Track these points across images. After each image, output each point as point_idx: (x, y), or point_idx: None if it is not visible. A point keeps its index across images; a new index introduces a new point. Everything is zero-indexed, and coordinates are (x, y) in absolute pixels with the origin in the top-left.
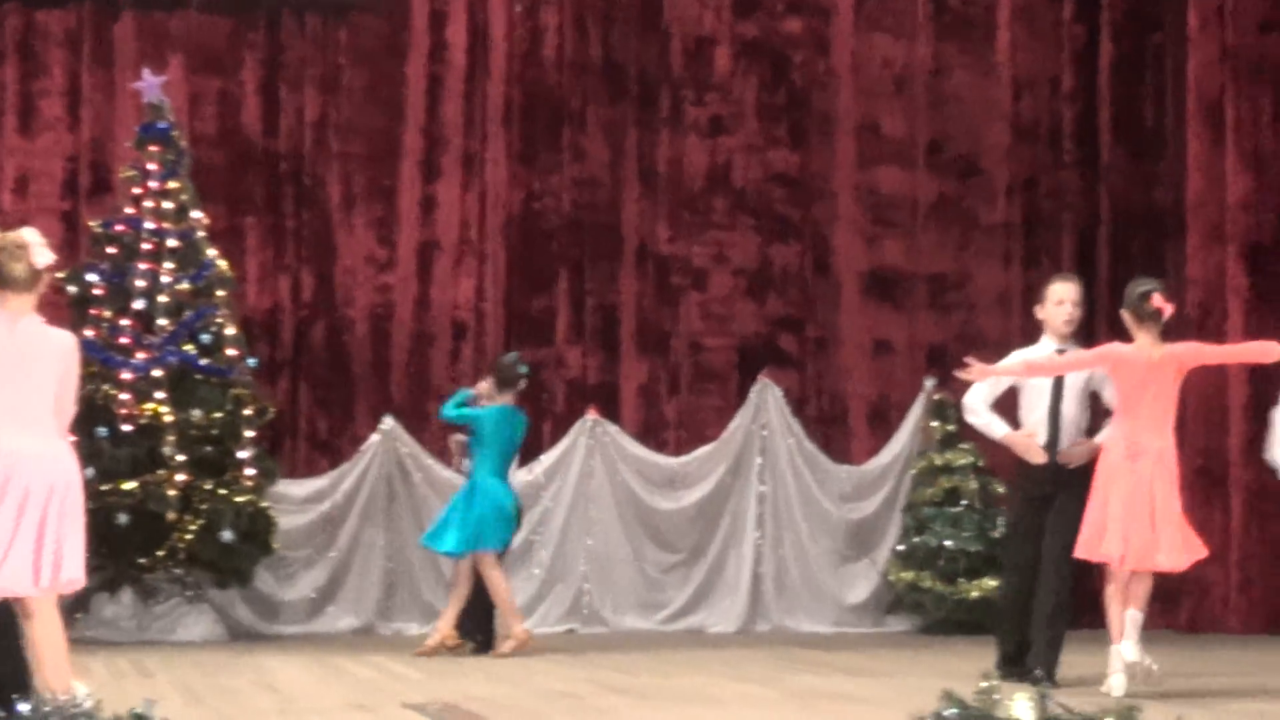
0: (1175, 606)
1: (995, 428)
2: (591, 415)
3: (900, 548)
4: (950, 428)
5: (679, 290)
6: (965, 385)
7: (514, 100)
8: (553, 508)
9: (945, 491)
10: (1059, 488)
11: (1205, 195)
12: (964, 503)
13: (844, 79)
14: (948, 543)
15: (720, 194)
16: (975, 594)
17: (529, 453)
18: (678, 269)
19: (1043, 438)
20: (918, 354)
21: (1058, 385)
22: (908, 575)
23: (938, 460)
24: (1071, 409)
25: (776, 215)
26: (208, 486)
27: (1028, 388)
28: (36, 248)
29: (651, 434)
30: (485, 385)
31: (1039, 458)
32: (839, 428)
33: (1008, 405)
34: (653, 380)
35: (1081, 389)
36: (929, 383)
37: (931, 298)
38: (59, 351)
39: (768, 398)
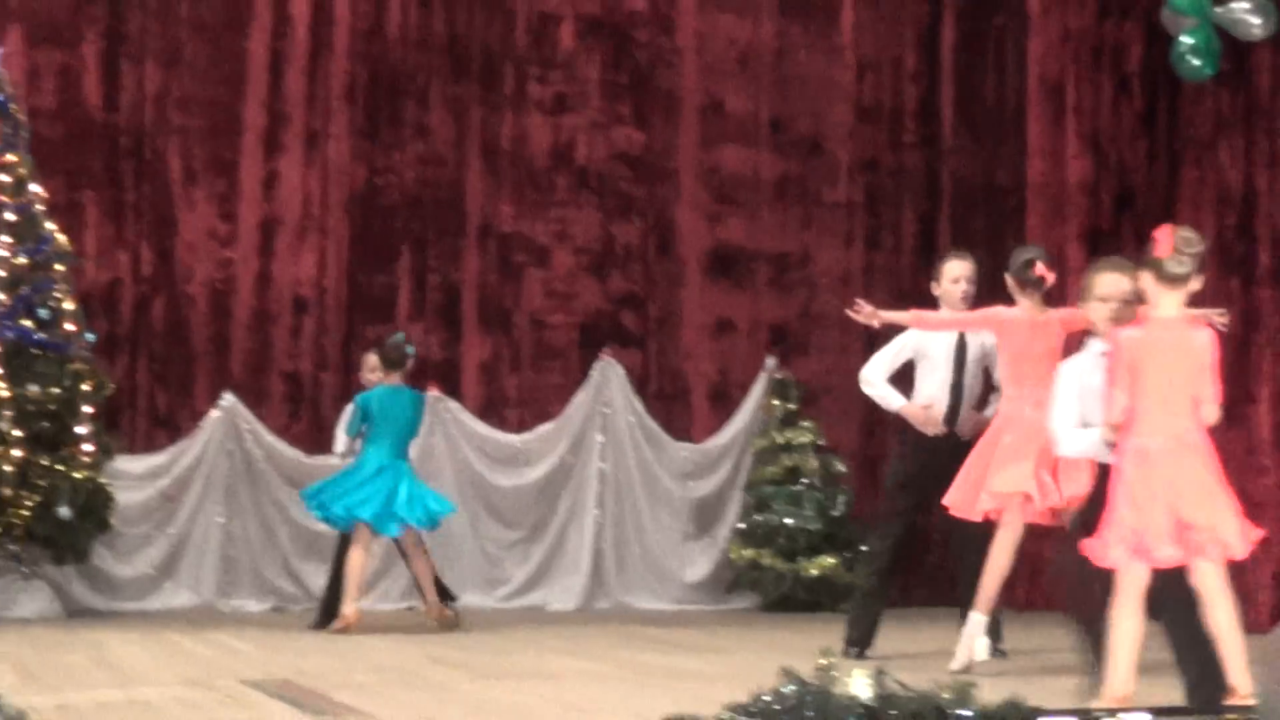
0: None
1: (892, 400)
2: (433, 392)
3: (741, 525)
4: (791, 406)
5: (521, 268)
6: (806, 365)
7: (357, 76)
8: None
9: (786, 470)
10: (954, 460)
11: (1046, 176)
12: (804, 481)
13: (688, 57)
14: (788, 520)
15: (563, 172)
16: (815, 572)
17: None
18: (520, 247)
19: (942, 408)
20: (759, 333)
21: (960, 358)
22: (748, 553)
23: (778, 438)
24: (971, 381)
25: (619, 193)
26: (44, 462)
27: (926, 360)
28: None
29: (493, 411)
30: (373, 359)
31: (936, 429)
32: (680, 406)
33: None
34: (495, 357)
35: (979, 361)
36: (770, 361)
37: (773, 277)
38: None
39: (609, 375)
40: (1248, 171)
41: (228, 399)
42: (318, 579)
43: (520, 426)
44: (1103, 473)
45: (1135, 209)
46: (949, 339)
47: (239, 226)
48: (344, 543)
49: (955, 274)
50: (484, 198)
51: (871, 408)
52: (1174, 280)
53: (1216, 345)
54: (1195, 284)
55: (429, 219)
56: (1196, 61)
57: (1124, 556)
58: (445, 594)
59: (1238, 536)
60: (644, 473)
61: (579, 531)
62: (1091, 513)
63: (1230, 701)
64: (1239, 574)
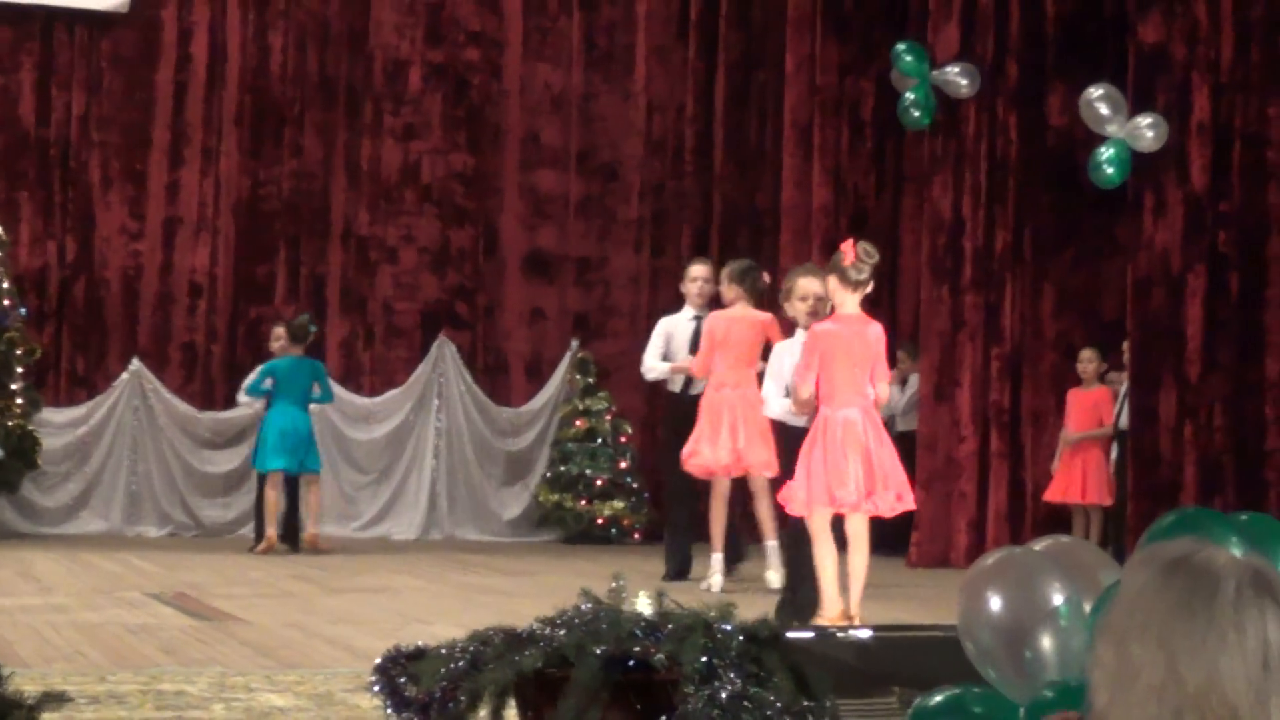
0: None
1: (660, 368)
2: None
3: (548, 474)
4: (590, 379)
5: (375, 264)
6: (602, 347)
7: (245, 105)
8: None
9: (585, 431)
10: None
11: (795, 202)
12: (599, 440)
13: (513, 98)
14: (586, 471)
15: (410, 187)
16: (607, 512)
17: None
18: (375, 247)
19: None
20: (565, 320)
21: (695, 340)
22: (554, 497)
23: (579, 405)
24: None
25: (455, 206)
26: None
27: (673, 342)
28: None
29: (351, 378)
30: (280, 332)
31: (677, 388)
32: (502, 377)
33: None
34: (352, 335)
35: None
36: (574, 343)
37: (578, 275)
38: None
39: (445, 352)
40: (956, 201)
41: (135, 364)
42: (208, 511)
43: (372, 392)
44: (789, 435)
45: (867, 228)
46: (689, 327)
47: (146, 224)
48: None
49: (805, 291)
50: (346, 206)
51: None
52: (855, 284)
53: (884, 339)
54: (869, 288)
55: (302, 222)
56: (916, 113)
57: (817, 502)
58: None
59: (904, 496)
60: (471, 430)
61: (418, 476)
62: (785, 467)
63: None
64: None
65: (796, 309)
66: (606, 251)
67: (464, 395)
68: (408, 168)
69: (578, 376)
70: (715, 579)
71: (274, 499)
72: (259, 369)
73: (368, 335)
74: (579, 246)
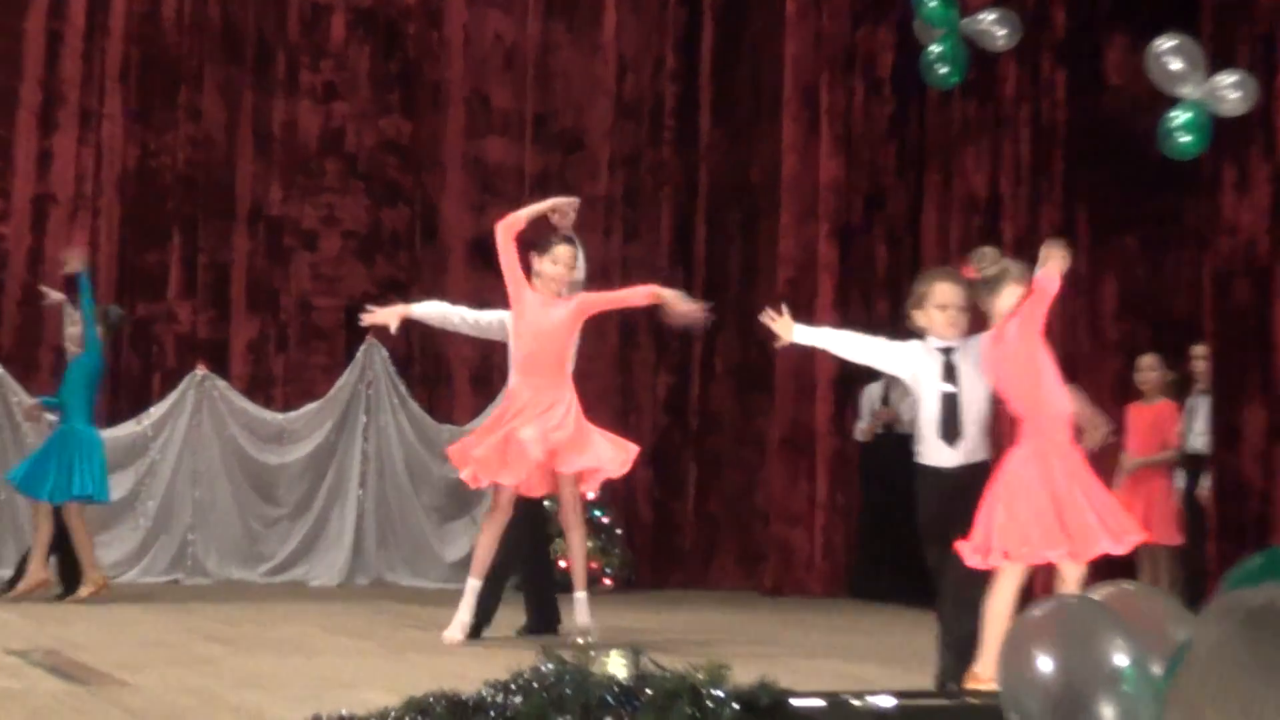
0: (759, 570)
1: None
2: (200, 370)
3: None
4: None
5: (290, 250)
6: None
7: (132, 58)
8: (160, 460)
9: None
10: None
11: (798, 176)
12: None
13: (455, 51)
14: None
15: (333, 158)
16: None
17: (139, 404)
18: (289, 230)
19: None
20: None
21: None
22: None
23: None
24: None
25: (387, 181)
26: None
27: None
28: None
29: (260, 389)
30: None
31: None
32: (443, 388)
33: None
34: (262, 337)
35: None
36: None
37: None
38: None
39: (374, 357)
40: (992, 177)
41: None
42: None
43: (286, 405)
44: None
45: (884, 209)
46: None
47: (12, 203)
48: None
49: (944, 299)
50: (254, 181)
51: (624, 393)
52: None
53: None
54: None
55: (200, 200)
56: (944, 70)
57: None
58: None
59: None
60: (406, 453)
61: (342, 509)
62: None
63: None
64: None
65: (933, 319)
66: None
67: (397, 410)
68: (329, 135)
69: None
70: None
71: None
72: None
73: (280, 338)
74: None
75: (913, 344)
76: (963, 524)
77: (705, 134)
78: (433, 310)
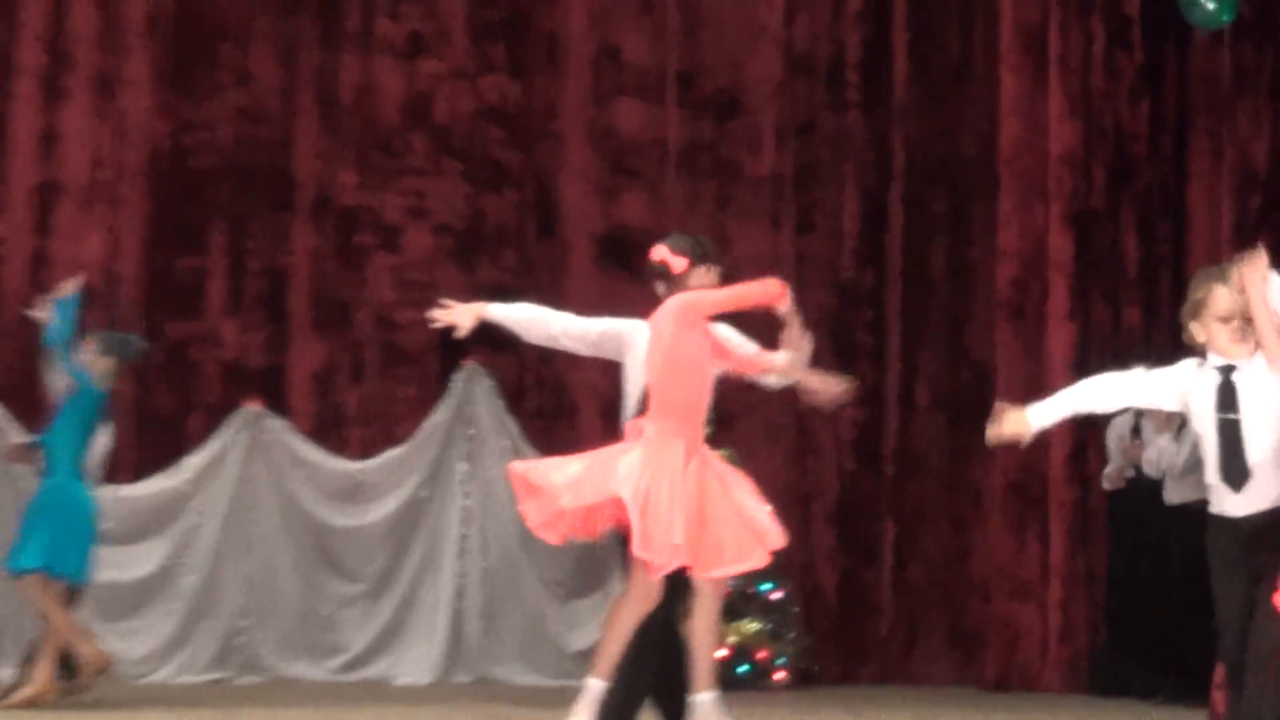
0: (979, 657)
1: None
2: (252, 407)
3: None
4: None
5: (367, 251)
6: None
7: (161, 7)
8: (201, 523)
9: None
10: None
11: (1023, 146)
12: None
13: None
14: None
15: (420, 132)
16: (733, 639)
17: (174, 451)
18: (365, 224)
19: None
20: None
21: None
22: None
23: None
24: None
25: (490, 160)
26: None
27: None
28: None
29: (329, 431)
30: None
31: None
32: (565, 425)
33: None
34: (331, 364)
35: None
36: None
37: None
38: None
39: (475, 388)
40: (1274, 143)
41: None
42: (106, 641)
43: (363, 452)
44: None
45: (1134, 187)
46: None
47: (9, 193)
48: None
49: (1227, 310)
50: (319, 162)
51: (803, 432)
52: None
53: None
54: None
55: (250, 188)
56: (1211, 6)
57: None
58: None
59: None
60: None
61: (435, 585)
62: None
63: None
64: None
65: (1213, 334)
66: (726, 227)
67: (506, 454)
68: (414, 102)
69: None
70: None
71: None
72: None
73: (354, 364)
74: (683, 220)
75: (1184, 365)
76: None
77: (900, 93)
78: (521, 314)
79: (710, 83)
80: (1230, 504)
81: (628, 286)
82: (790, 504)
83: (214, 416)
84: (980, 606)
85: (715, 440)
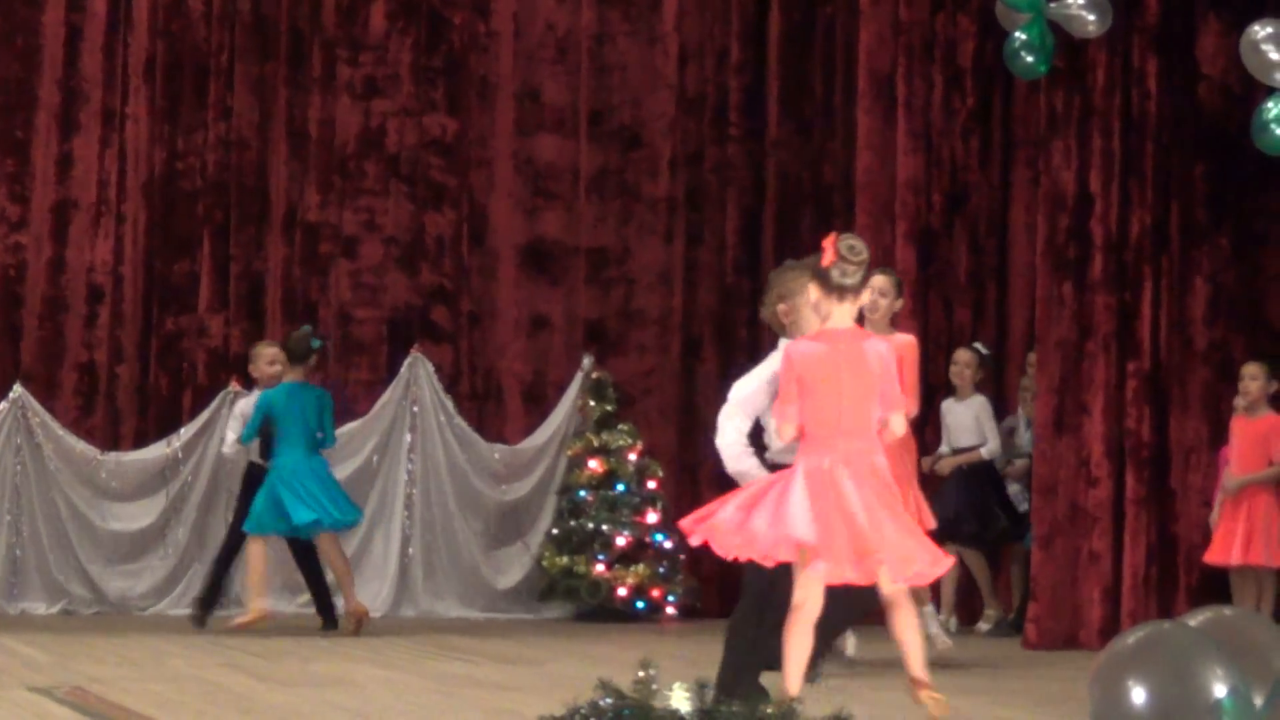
0: None
1: None
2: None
3: (554, 531)
4: (608, 407)
5: (328, 258)
6: (624, 365)
7: (158, 54)
8: (191, 482)
9: (602, 474)
10: None
11: (874, 174)
12: (620, 486)
13: (504, 42)
14: (604, 527)
15: (373, 159)
16: (630, 581)
17: (169, 424)
18: (327, 236)
19: None
20: (576, 330)
21: None
22: (562, 560)
23: (595, 441)
24: None
25: (432, 183)
26: None
27: None
28: None
29: None
30: (272, 352)
31: None
32: (493, 405)
33: None
34: None
35: None
36: (587, 360)
37: (591, 272)
38: None
39: (419, 372)
40: (1081, 173)
41: (16, 390)
42: (114, 581)
43: None
44: None
45: (966, 209)
46: None
47: (30, 209)
48: (301, 548)
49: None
50: (289, 184)
51: (690, 410)
52: (841, 291)
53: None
54: (865, 296)
55: (232, 205)
56: (1030, 58)
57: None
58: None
59: (918, 564)
60: (454, 475)
61: (385, 535)
62: None
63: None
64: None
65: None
66: (628, 241)
67: (444, 428)
68: (369, 134)
69: (592, 403)
70: None
71: (262, 562)
72: (255, 404)
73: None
74: (592, 235)
75: None
76: None
77: (773, 130)
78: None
79: (616, 120)
80: None
81: (546, 292)
82: (680, 472)
83: (202, 395)
84: None
85: (618, 417)
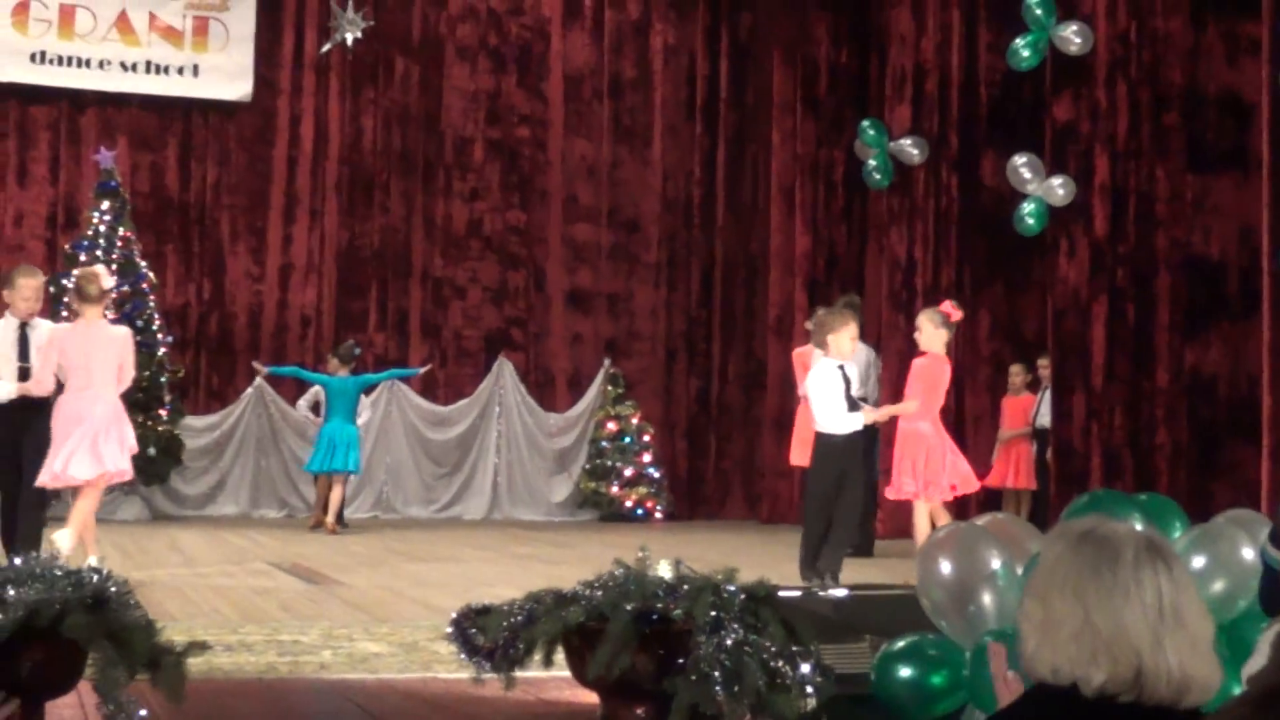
0: (758, 507)
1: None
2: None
3: (587, 466)
4: (619, 390)
5: (448, 299)
6: (629, 365)
7: (344, 174)
8: (364, 438)
9: (615, 431)
10: None
11: (781, 248)
12: (627, 438)
13: (555, 166)
14: (617, 463)
15: (475, 238)
16: (634, 497)
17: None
18: (447, 286)
19: None
20: (599, 344)
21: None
22: (592, 484)
23: (611, 411)
24: None
25: (510, 253)
26: (140, 419)
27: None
28: (104, 277)
29: (430, 391)
30: (335, 361)
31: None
32: (549, 389)
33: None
34: (430, 357)
35: None
36: (606, 362)
37: (609, 308)
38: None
39: (504, 370)
40: (909, 246)
41: (258, 381)
42: (312, 496)
43: (447, 401)
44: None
45: (839, 270)
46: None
47: (266, 270)
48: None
49: (854, 333)
50: (424, 254)
51: (669, 393)
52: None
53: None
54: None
55: (388, 266)
56: (878, 176)
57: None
58: (341, 519)
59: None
60: (525, 431)
61: (484, 468)
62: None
63: None
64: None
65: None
66: (631, 288)
67: (519, 404)
68: (473, 222)
69: (609, 388)
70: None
71: (325, 490)
72: (316, 386)
73: (442, 356)
74: (609, 284)
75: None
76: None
77: (720, 220)
78: None
79: (623, 214)
80: None
81: (582, 319)
82: (662, 429)
83: (373, 386)
84: (758, 480)
85: (625, 397)
